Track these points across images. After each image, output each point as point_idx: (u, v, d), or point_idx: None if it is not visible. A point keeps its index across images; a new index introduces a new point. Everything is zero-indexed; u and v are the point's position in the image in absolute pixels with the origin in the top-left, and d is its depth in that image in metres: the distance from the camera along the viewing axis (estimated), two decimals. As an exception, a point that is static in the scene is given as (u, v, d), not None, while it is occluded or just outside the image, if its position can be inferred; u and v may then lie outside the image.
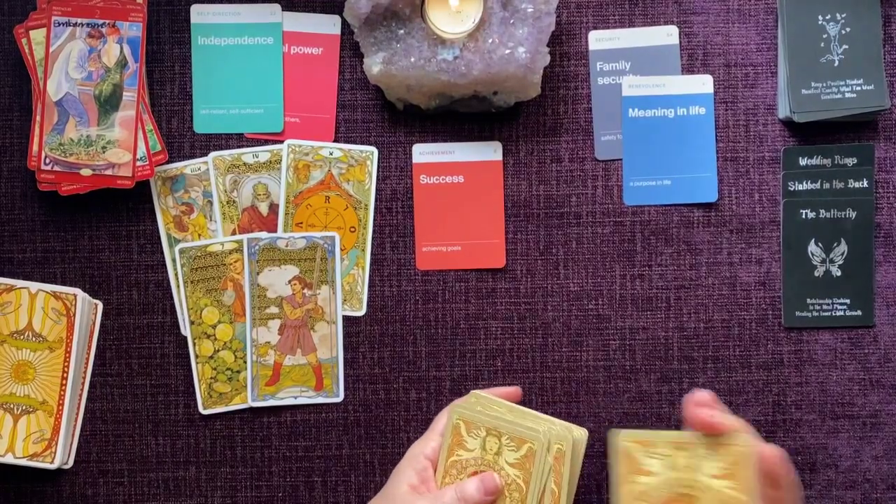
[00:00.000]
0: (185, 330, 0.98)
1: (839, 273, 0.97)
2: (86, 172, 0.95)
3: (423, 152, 0.99)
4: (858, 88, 0.96)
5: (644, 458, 0.77)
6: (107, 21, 0.95)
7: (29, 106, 0.97)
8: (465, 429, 0.85)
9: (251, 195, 0.98)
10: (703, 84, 0.98)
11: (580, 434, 0.85)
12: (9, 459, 0.94)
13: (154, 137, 0.96)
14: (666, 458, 0.77)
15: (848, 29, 0.96)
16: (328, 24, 0.99)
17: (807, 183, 0.98)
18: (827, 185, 0.97)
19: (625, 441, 0.78)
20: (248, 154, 0.98)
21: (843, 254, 0.97)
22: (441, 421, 0.88)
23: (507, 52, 0.93)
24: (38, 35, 0.95)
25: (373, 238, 0.99)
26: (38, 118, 0.94)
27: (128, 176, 0.95)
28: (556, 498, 0.82)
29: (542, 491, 0.83)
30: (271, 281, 0.97)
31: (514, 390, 0.92)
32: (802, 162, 0.98)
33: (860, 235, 0.97)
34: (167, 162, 0.98)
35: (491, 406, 0.86)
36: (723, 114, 0.99)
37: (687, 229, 0.98)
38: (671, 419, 0.98)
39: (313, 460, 0.98)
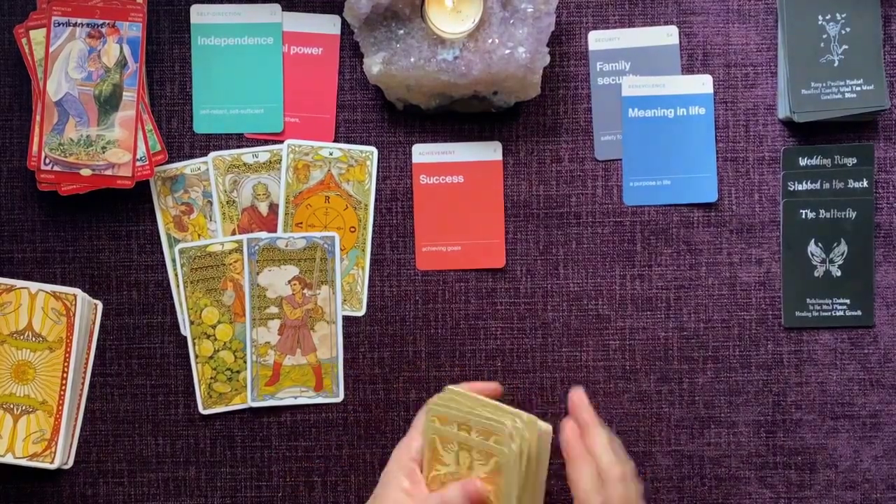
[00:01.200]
0: (185, 330, 0.98)
1: (839, 273, 0.97)
2: (86, 172, 0.95)
3: (423, 152, 0.99)
4: (858, 88, 0.96)
5: (442, 450, 0.85)
6: (107, 21, 0.95)
7: (29, 106, 0.97)
8: (441, 443, 0.85)
9: (251, 195, 0.98)
10: (702, 84, 0.98)
11: (546, 428, 0.85)
12: (9, 459, 0.94)
13: (154, 137, 0.96)
14: (455, 453, 0.85)
15: (848, 29, 0.96)
16: (328, 24, 0.99)
17: (807, 183, 0.98)
18: (827, 185, 0.97)
19: (431, 428, 0.85)
20: (247, 154, 0.98)
21: (843, 254, 0.97)
22: (421, 419, 0.87)
23: (507, 52, 0.93)
24: (38, 35, 0.95)
25: (373, 238, 0.99)
26: (37, 118, 0.94)
27: (128, 176, 0.95)
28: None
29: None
30: (271, 281, 0.97)
31: (493, 386, 0.90)
32: (802, 162, 0.98)
33: (860, 235, 0.97)
34: (167, 162, 0.98)
35: (463, 402, 0.86)
36: (723, 114, 0.99)
37: (687, 229, 0.98)
38: (671, 419, 0.98)
39: (313, 460, 0.98)
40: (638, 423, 0.98)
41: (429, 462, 0.86)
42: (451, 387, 0.88)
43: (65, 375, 0.95)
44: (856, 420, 0.98)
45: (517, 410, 0.85)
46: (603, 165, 0.99)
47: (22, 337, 0.95)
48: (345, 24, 0.98)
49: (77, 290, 0.96)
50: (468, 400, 0.86)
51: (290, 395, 0.98)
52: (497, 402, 0.86)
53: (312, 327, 0.98)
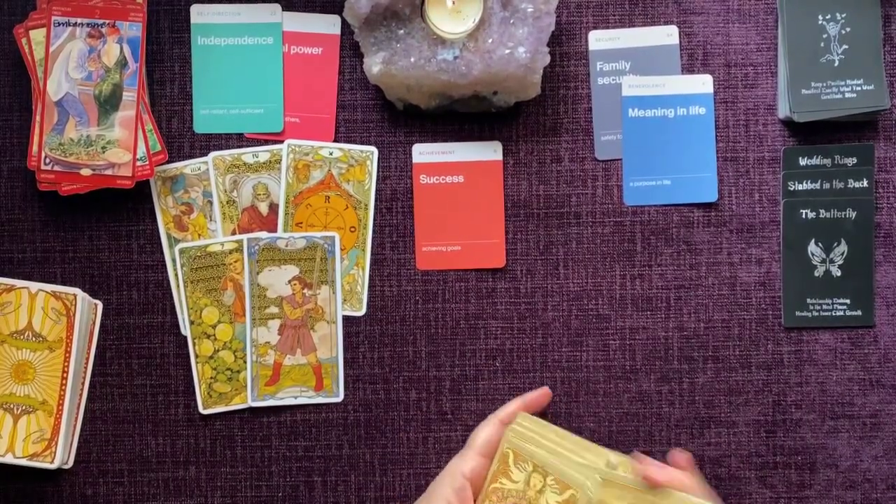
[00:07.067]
0: (185, 330, 0.98)
1: (839, 273, 0.97)
2: (86, 172, 0.95)
3: (423, 152, 0.99)
4: (858, 88, 0.96)
5: (513, 466, 0.85)
6: (107, 21, 0.95)
7: (29, 106, 0.97)
8: (513, 459, 0.85)
9: (251, 195, 0.98)
10: (703, 84, 0.98)
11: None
12: (9, 459, 0.94)
13: (154, 137, 0.96)
14: (528, 472, 0.85)
15: (848, 29, 0.96)
16: (328, 24, 0.99)
17: (807, 183, 0.98)
18: (827, 185, 0.97)
19: (508, 441, 0.86)
20: (247, 154, 0.98)
21: (843, 254, 0.97)
22: (479, 436, 0.88)
23: (507, 52, 0.93)
24: (38, 35, 0.95)
25: (373, 238, 0.99)
26: (37, 118, 0.94)
27: (128, 176, 0.95)
28: None
29: None
30: (271, 281, 0.97)
31: (542, 393, 0.94)
32: (802, 162, 0.98)
33: (860, 235, 0.97)
34: (167, 162, 0.98)
35: (545, 434, 0.86)
36: (723, 114, 0.99)
37: (687, 229, 0.98)
38: (671, 419, 0.98)
39: (313, 460, 0.98)
40: (638, 423, 0.98)
41: (494, 473, 0.86)
42: (525, 414, 0.88)
43: (65, 375, 0.95)
44: (856, 420, 0.98)
45: (607, 451, 0.85)
46: (603, 165, 0.99)
47: (22, 337, 0.95)
48: (345, 24, 0.98)
49: (77, 290, 0.96)
50: (552, 433, 0.86)
51: (290, 395, 0.98)
52: (585, 441, 0.86)
53: (312, 327, 0.98)
